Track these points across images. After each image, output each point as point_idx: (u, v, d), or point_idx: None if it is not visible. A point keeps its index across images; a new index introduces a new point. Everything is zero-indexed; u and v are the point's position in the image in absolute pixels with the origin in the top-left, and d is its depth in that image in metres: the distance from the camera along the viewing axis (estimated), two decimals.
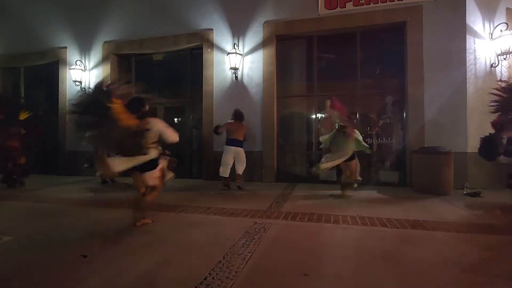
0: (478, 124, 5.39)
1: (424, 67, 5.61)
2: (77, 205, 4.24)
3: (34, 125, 6.13)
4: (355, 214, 3.55)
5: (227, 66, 6.57)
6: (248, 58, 6.59)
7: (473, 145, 5.37)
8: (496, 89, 4.28)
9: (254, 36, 6.56)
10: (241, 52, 6.56)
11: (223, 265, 2.14)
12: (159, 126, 3.20)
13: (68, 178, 7.04)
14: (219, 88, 6.75)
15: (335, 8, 6.09)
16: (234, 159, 5.43)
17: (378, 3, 5.86)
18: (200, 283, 1.87)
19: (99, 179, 6.28)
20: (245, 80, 6.61)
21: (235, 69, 6.48)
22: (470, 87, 5.42)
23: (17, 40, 8.39)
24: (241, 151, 5.46)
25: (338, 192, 4.80)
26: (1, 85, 8.87)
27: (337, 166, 4.79)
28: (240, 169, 5.47)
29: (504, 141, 4.13)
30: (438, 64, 5.54)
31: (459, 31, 5.46)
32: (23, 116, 5.97)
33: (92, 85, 3.40)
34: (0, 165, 5.80)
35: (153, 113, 6.41)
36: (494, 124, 4.28)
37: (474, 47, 5.45)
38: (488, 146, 4.31)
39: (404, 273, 2.05)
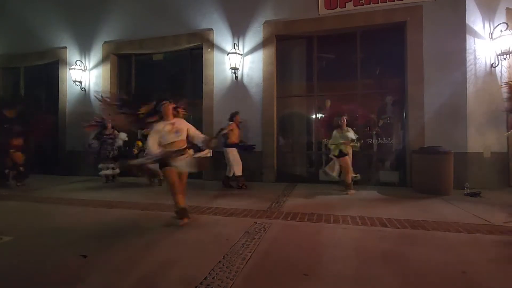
0: (478, 124, 5.40)
1: (424, 67, 5.61)
2: (77, 205, 4.24)
3: (37, 123, 6.19)
4: (355, 214, 3.55)
5: (227, 66, 6.56)
6: (248, 58, 6.59)
7: (473, 145, 5.39)
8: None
9: (254, 36, 6.56)
10: (241, 52, 6.55)
11: (223, 265, 2.14)
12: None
13: (68, 178, 7.04)
14: (219, 88, 6.75)
15: (335, 8, 6.09)
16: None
17: (378, 3, 5.86)
18: (200, 283, 1.87)
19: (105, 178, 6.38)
20: (245, 80, 6.61)
21: (235, 69, 6.48)
22: (470, 87, 5.42)
23: (17, 40, 8.39)
24: None
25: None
26: (1, 85, 8.88)
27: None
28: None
29: None
30: (438, 64, 5.54)
31: (459, 31, 5.46)
32: (10, 114, 5.98)
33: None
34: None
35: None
36: None
37: (474, 47, 5.44)
38: None
39: (404, 273, 2.05)
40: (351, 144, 4.92)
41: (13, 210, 4.05)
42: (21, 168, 5.96)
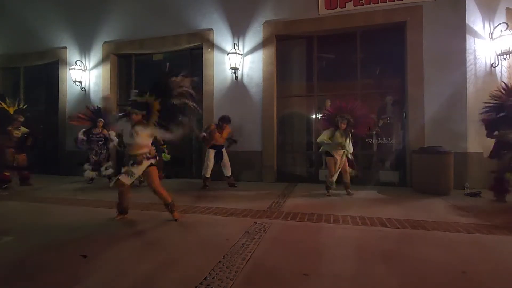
0: (478, 124, 5.38)
1: (424, 67, 5.61)
2: (77, 205, 4.24)
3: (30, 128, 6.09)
4: (355, 214, 3.55)
5: (227, 66, 6.57)
6: (248, 58, 6.59)
7: (473, 145, 5.39)
8: (498, 90, 4.37)
9: (254, 36, 6.56)
10: (241, 52, 6.55)
11: (223, 265, 2.14)
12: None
13: (68, 178, 7.04)
14: (219, 88, 6.75)
15: (335, 8, 6.09)
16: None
17: (378, 3, 5.86)
18: (200, 283, 1.87)
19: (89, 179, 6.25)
20: (245, 80, 6.61)
21: (235, 69, 6.48)
22: (470, 87, 5.42)
23: (17, 40, 8.39)
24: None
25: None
26: (1, 85, 8.88)
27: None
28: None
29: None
30: (438, 64, 5.54)
31: (459, 31, 5.46)
32: (11, 110, 5.91)
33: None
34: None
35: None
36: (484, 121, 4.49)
37: (474, 47, 5.44)
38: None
39: (404, 273, 2.05)
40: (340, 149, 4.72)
41: (13, 210, 4.05)
42: (24, 172, 5.97)
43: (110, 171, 6.21)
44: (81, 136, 6.07)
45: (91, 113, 6.24)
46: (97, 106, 6.37)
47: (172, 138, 3.46)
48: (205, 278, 1.93)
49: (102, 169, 6.18)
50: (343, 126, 4.70)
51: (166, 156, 5.99)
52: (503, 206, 4.04)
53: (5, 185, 5.61)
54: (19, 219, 3.58)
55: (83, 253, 2.35)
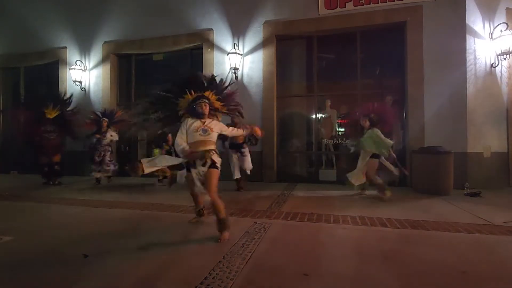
0: (478, 124, 5.40)
1: (424, 67, 5.61)
2: (77, 205, 4.24)
3: (65, 123, 6.40)
4: (355, 214, 3.55)
5: (227, 66, 6.56)
6: (248, 58, 6.59)
7: (473, 145, 5.39)
8: None
9: (254, 36, 6.56)
10: (241, 52, 6.55)
11: (223, 265, 2.14)
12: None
13: (68, 178, 7.03)
14: None
15: (335, 8, 6.09)
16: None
17: (378, 3, 5.86)
18: (200, 283, 1.87)
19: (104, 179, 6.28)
20: (245, 80, 6.61)
21: (235, 69, 6.48)
22: (470, 87, 5.42)
23: (17, 40, 8.39)
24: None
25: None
26: (1, 85, 8.88)
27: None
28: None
29: None
30: (438, 64, 5.54)
31: (459, 31, 5.46)
32: (51, 114, 6.17)
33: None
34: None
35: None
36: None
37: (474, 47, 5.44)
38: None
39: (404, 273, 2.05)
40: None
41: (13, 210, 4.05)
42: (56, 167, 6.28)
43: (100, 174, 6.19)
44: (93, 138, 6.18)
45: (96, 116, 6.32)
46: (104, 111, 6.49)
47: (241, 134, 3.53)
48: (205, 278, 1.93)
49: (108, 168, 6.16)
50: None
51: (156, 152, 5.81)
52: (503, 206, 4.04)
53: (57, 180, 6.22)
54: (19, 219, 3.58)
55: (84, 253, 2.34)
